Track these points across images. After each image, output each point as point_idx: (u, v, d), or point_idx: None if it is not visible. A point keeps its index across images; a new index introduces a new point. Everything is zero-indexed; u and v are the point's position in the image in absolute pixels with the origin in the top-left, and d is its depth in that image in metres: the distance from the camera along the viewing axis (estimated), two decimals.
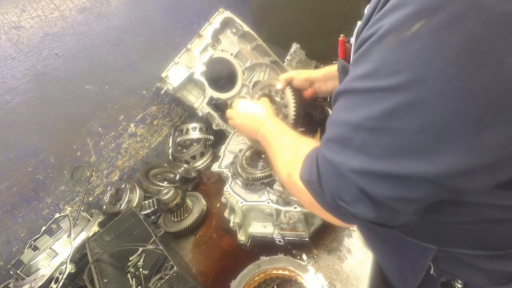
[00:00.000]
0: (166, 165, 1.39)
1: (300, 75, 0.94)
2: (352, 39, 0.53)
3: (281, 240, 0.90)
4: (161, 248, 0.83)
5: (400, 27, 0.35)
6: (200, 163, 1.45)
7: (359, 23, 0.50)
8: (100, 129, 1.28)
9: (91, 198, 1.25)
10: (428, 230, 0.56)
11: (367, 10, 0.45)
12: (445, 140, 0.35)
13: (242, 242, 0.94)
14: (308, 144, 0.62)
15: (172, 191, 1.08)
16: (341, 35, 0.60)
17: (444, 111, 0.34)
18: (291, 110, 0.88)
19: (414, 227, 0.46)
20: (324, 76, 0.96)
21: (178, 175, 1.30)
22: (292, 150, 0.65)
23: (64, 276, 0.85)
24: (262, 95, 0.97)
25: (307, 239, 0.87)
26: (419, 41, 0.33)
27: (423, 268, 0.62)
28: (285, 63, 1.55)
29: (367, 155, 0.41)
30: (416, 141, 0.36)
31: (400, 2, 0.35)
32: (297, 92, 0.92)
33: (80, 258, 0.95)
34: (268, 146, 0.77)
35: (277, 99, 0.93)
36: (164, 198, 1.07)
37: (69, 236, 0.94)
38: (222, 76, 1.61)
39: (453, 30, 0.31)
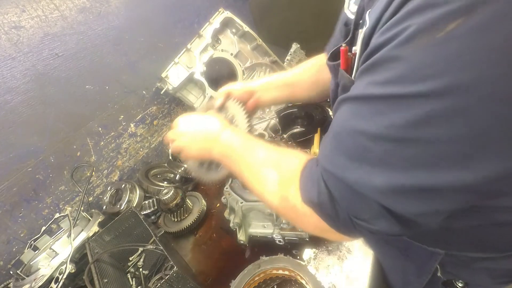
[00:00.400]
0: (166, 165, 1.39)
1: (237, 87, 0.89)
2: (355, 48, 0.50)
3: (281, 240, 0.90)
4: (161, 248, 0.83)
5: (431, 28, 0.31)
6: None
7: (361, 31, 0.47)
8: (100, 129, 1.28)
9: (91, 198, 1.25)
10: (437, 235, 0.55)
11: (371, 15, 0.43)
12: (486, 147, 0.32)
13: (242, 242, 0.94)
14: (297, 157, 0.54)
15: (172, 191, 1.08)
16: (343, 44, 0.58)
17: (486, 117, 0.31)
18: (242, 119, 0.78)
19: (423, 232, 0.44)
20: (263, 86, 0.91)
21: (178, 175, 1.30)
22: (278, 167, 0.55)
23: (64, 276, 0.85)
24: None
25: (307, 239, 0.87)
26: (455, 43, 0.30)
27: (429, 271, 0.60)
28: (285, 63, 1.55)
29: (391, 169, 0.36)
30: (453, 149, 0.33)
31: (428, 2, 0.32)
32: (240, 103, 0.85)
33: (80, 258, 0.95)
34: (234, 164, 0.63)
35: (222, 116, 0.85)
36: (164, 198, 1.07)
37: (69, 236, 0.94)
38: (222, 76, 1.61)
39: (495, 30, 0.29)
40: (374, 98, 0.38)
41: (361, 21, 0.58)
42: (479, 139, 0.32)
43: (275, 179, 0.54)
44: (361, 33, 0.46)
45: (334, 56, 0.63)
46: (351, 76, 0.52)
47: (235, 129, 0.70)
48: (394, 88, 0.35)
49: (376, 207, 0.39)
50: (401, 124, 0.35)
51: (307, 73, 0.95)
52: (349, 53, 0.55)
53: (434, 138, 0.33)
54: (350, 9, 0.65)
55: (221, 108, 0.85)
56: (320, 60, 0.96)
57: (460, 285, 0.61)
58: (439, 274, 0.61)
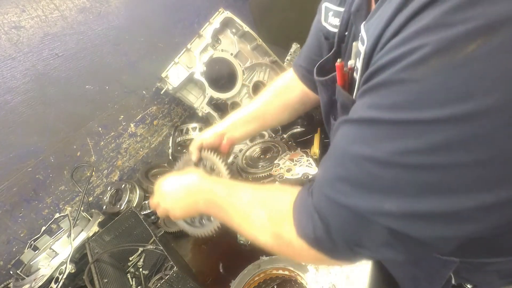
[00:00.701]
0: (166, 165, 1.39)
1: (207, 135, 0.90)
2: (351, 62, 0.48)
3: None
4: (161, 248, 0.83)
5: (449, 49, 0.29)
6: None
7: (355, 44, 0.45)
8: (100, 129, 1.28)
9: (91, 198, 1.25)
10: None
11: (368, 29, 0.40)
12: (510, 169, 0.30)
13: (242, 242, 0.94)
14: (286, 191, 0.52)
15: None
16: (338, 60, 0.54)
17: (511, 140, 0.29)
18: (221, 166, 0.82)
19: None
20: (231, 125, 0.92)
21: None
22: (266, 205, 0.53)
23: (64, 276, 0.85)
24: None
25: None
26: (476, 65, 0.28)
27: (443, 279, 0.59)
28: (285, 63, 1.55)
29: (404, 195, 0.35)
30: (475, 174, 0.31)
31: (442, 21, 0.29)
32: (214, 150, 0.88)
33: (80, 258, 0.95)
34: (221, 211, 0.61)
35: (202, 168, 0.88)
36: None
37: (69, 236, 0.94)
38: (222, 76, 1.61)
39: None
40: (380, 122, 0.35)
41: (347, 33, 0.56)
42: (505, 164, 0.30)
43: (265, 218, 0.51)
44: (360, 49, 0.43)
45: (320, 70, 0.61)
46: (350, 93, 0.50)
47: (213, 178, 0.70)
48: (406, 113, 0.33)
49: (384, 234, 0.37)
50: (416, 150, 0.32)
51: (275, 99, 0.95)
52: (344, 68, 0.53)
53: (453, 163, 0.31)
54: (329, 22, 0.64)
55: (199, 162, 0.88)
56: (285, 81, 0.95)
57: (469, 286, 0.61)
58: (453, 281, 0.60)
